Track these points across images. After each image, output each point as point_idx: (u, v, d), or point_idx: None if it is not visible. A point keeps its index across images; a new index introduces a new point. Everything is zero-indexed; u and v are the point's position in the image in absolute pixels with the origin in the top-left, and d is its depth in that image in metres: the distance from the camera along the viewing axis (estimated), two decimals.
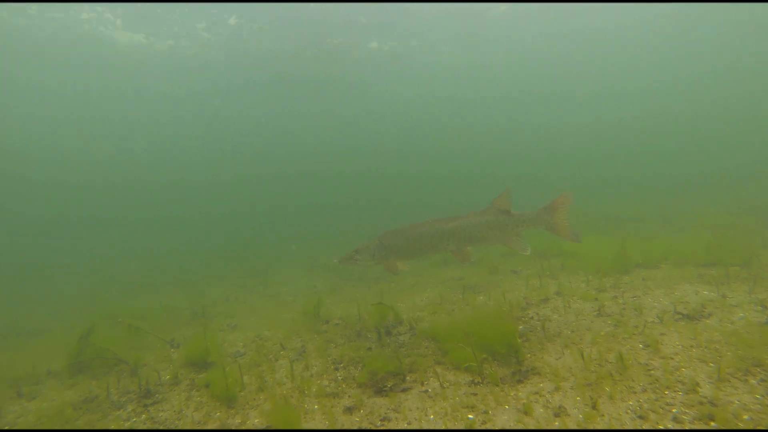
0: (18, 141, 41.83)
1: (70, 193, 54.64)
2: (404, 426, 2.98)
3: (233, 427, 3.27)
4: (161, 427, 3.46)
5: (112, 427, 3.53)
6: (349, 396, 3.53)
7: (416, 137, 60.64)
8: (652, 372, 3.14)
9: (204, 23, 22.76)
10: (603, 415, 2.71)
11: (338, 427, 3.07)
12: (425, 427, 2.94)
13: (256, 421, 3.31)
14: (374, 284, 8.32)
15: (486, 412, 2.99)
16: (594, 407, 2.80)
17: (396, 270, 4.59)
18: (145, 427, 3.47)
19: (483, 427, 2.83)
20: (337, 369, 4.13)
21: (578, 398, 2.98)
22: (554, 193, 4.40)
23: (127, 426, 3.53)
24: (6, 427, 3.91)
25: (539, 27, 26.59)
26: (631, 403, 2.79)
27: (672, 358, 3.31)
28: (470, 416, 2.97)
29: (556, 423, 2.74)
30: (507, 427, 2.80)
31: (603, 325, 4.30)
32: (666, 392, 2.85)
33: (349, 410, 3.28)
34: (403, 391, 3.50)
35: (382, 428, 3.00)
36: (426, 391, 3.45)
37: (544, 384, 3.27)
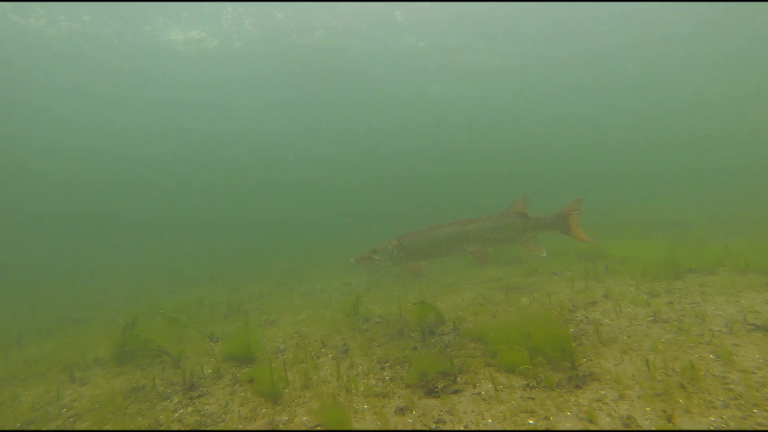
0: (64, 141, 43.56)
1: (115, 192, 56.56)
2: (461, 429, 2.86)
3: (281, 424, 3.22)
4: (209, 420, 3.44)
5: (161, 417, 3.54)
6: (399, 396, 3.43)
7: (449, 138, 59.76)
8: (732, 387, 2.92)
9: (252, 18, 23.22)
10: (682, 430, 2.51)
11: (391, 428, 2.97)
12: (483, 431, 2.81)
13: (304, 419, 3.25)
14: (411, 283, 8.20)
15: (547, 419, 2.84)
16: (669, 420, 2.61)
17: (416, 270, 4.61)
18: (193, 420, 3.46)
19: None
20: (383, 368, 4.04)
21: (648, 409, 2.79)
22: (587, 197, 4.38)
23: (176, 417, 3.53)
24: (63, 409, 4.00)
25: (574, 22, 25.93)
26: (713, 419, 2.58)
27: (753, 373, 3.07)
28: (530, 421, 2.83)
29: None
30: None
31: (662, 331, 4.07)
32: (755, 410, 2.63)
33: (400, 411, 3.18)
34: (455, 392, 3.38)
35: (437, 430, 2.89)
36: (479, 394, 3.32)
37: (605, 391, 3.09)
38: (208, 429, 3.29)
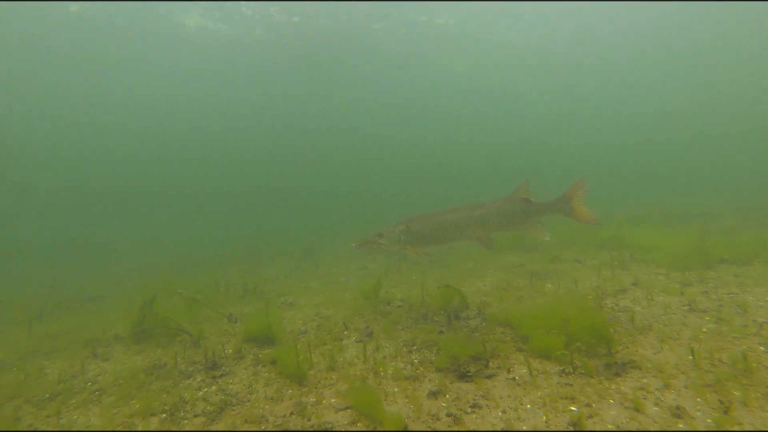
0: (81, 118, 43.55)
1: (130, 170, 56.59)
2: (498, 414, 2.76)
3: (309, 406, 3.14)
4: (234, 399, 3.37)
5: (185, 395, 3.48)
6: (429, 380, 3.32)
7: (472, 121, 58.59)
8: None
9: (277, 6, 23.00)
10: (741, 423, 2.37)
11: (425, 412, 2.87)
12: (523, 416, 2.70)
13: (332, 401, 3.16)
14: (430, 268, 8.08)
15: (589, 405, 2.72)
16: (726, 412, 2.47)
17: (423, 255, 4.52)
18: (218, 398, 3.40)
19: (590, 421, 2.56)
20: (410, 352, 3.94)
21: (698, 399, 2.65)
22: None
23: (200, 395, 3.47)
24: (88, 383, 3.97)
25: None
26: None
27: None
28: (572, 408, 2.71)
29: (680, 425, 2.44)
30: (618, 423, 2.52)
31: (700, 321, 3.91)
32: None
33: (433, 394, 3.08)
34: (489, 377, 3.27)
35: (474, 414, 2.78)
36: (513, 379, 3.21)
37: (648, 380, 2.96)
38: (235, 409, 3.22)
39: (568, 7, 25.15)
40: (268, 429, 2.87)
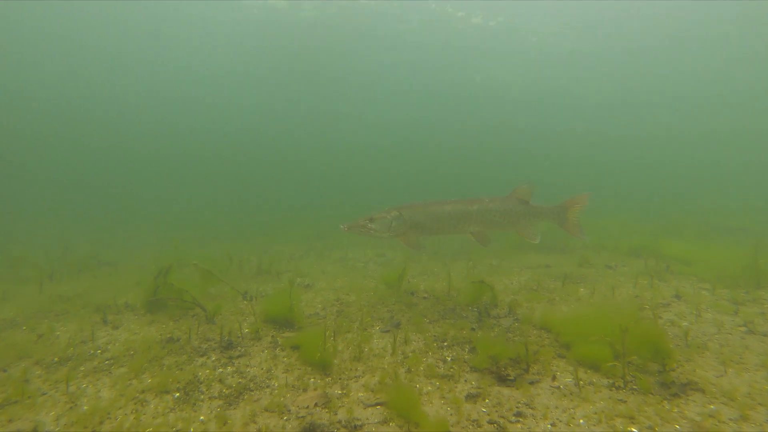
0: (108, 85, 43.51)
1: (152, 140, 56.34)
2: (547, 427, 2.47)
3: (336, 398, 2.88)
4: (252, 384, 3.13)
5: (200, 374, 3.25)
6: (465, 380, 3.05)
7: (509, 119, 57.44)
8: None
9: None
10: None
11: (464, 416, 2.60)
12: None
13: (360, 394, 2.91)
14: (452, 261, 7.78)
15: (651, 429, 2.42)
16: None
17: (416, 245, 4.42)
18: (234, 381, 3.16)
19: None
20: (442, 348, 3.66)
21: None
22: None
23: (216, 375, 3.23)
24: (98, 351, 3.77)
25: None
26: None
27: None
28: (633, 430, 2.42)
29: None
30: None
31: (765, 346, 3.57)
32: None
33: (472, 397, 2.81)
34: (531, 383, 2.99)
35: (519, 424, 2.50)
36: (558, 388, 2.92)
37: (716, 406, 2.65)
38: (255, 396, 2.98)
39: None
40: (292, 420, 2.62)
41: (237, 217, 18.51)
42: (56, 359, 3.60)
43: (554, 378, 3.07)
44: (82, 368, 3.43)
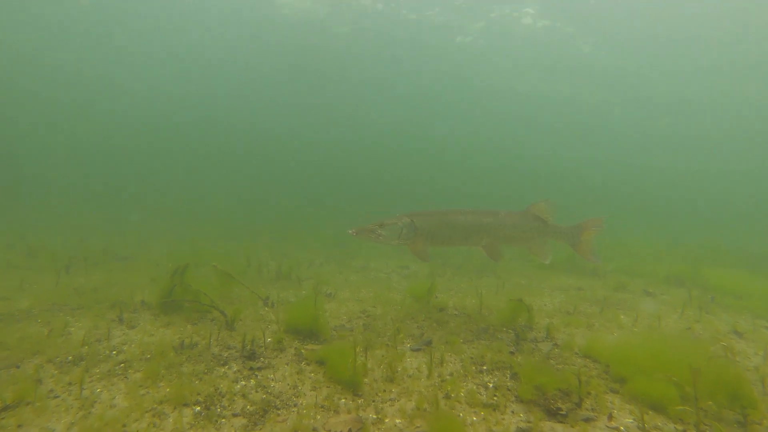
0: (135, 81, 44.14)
1: (171, 134, 56.80)
2: None
3: (370, 423, 2.61)
4: (278, 401, 2.87)
5: (221, 386, 3.01)
6: (512, 412, 2.75)
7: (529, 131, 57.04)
8: None
9: None
10: None
11: None
12: None
13: (397, 420, 2.63)
14: (479, 277, 7.48)
15: None
16: None
17: (424, 255, 4.26)
18: (258, 397, 2.91)
19: None
20: (481, 372, 3.37)
21: None
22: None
23: (238, 389, 2.98)
24: (113, 352, 3.55)
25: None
26: None
27: None
28: None
29: None
30: None
31: None
32: None
33: None
34: (586, 421, 2.68)
35: None
36: (618, 429, 2.60)
37: None
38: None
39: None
40: None
41: (254, 217, 18.42)
42: (70, 358, 3.39)
43: (611, 417, 2.76)
44: (96, 370, 3.21)
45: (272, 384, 3.11)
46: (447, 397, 2.95)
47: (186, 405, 2.74)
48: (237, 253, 9.06)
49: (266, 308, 5.02)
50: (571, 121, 47.73)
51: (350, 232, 4.33)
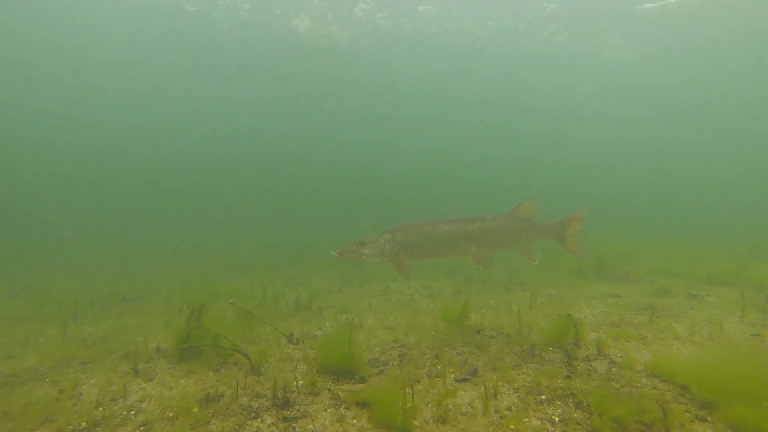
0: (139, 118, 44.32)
1: (171, 166, 56.86)
2: None
3: None
4: None
5: None
6: None
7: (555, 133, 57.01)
8: None
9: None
10: None
11: None
12: None
13: None
14: (504, 291, 7.10)
15: None
16: None
17: (407, 271, 4.11)
18: None
19: None
20: (541, 403, 3.00)
21: None
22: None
23: None
24: (131, 412, 3.19)
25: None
26: None
27: None
28: None
29: None
30: None
31: None
32: None
33: None
34: None
35: None
36: None
37: None
38: None
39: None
40: None
41: (260, 243, 18.10)
42: (84, 424, 3.03)
43: None
44: None
45: None
46: None
47: None
48: (250, 285, 8.73)
49: (291, 345, 4.65)
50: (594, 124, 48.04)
51: (333, 254, 4.15)
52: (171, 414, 3.13)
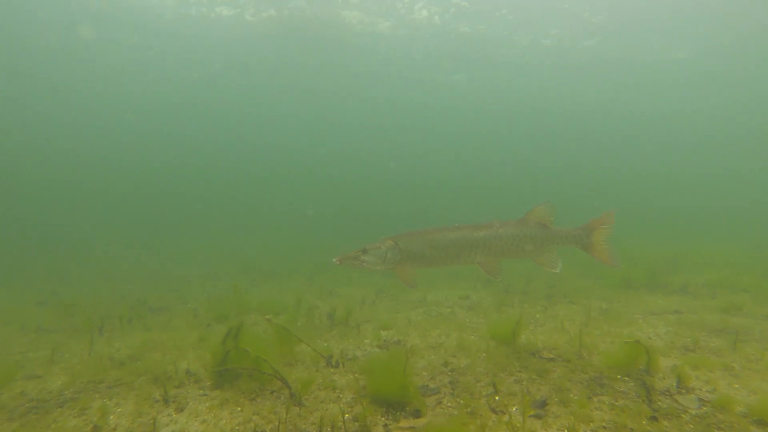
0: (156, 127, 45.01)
1: (194, 173, 57.52)
2: None
3: None
4: None
5: None
6: None
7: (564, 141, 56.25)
8: None
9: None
10: None
11: None
12: None
13: None
14: (549, 303, 6.63)
15: None
16: None
17: (412, 280, 3.95)
18: None
19: None
20: None
21: None
22: None
23: None
24: None
25: None
26: None
27: None
28: None
29: None
30: None
31: None
32: None
33: None
34: None
35: None
36: None
37: None
38: None
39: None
40: None
41: (286, 249, 17.87)
42: None
43: None
44: None
45: None
46: None
47: None
48: (278, 293, 8.44)
49: (331, 369, 4.30)
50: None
51: (334, 260, 4.03)
52: None
